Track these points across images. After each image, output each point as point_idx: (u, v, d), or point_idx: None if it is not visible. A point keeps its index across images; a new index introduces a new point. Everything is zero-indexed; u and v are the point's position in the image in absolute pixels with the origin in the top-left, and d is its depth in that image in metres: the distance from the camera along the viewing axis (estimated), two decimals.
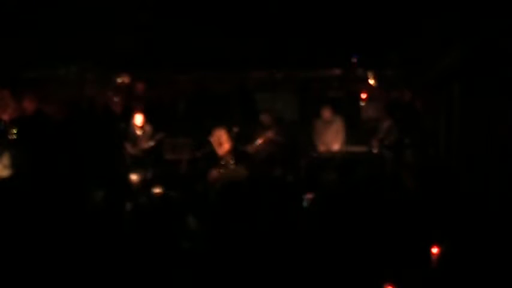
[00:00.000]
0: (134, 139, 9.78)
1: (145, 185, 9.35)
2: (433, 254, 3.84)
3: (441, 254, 3.84)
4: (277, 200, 5.18)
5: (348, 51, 8.09)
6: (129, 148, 9.76)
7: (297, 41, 7.51)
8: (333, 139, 9.38)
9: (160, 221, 4.47)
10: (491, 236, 4.55)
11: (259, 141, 9.50)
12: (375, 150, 9.09)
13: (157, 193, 7.65)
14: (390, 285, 3.42)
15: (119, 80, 9.41)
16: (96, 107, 9.72)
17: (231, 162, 9.23)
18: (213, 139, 9.56)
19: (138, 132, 9.79)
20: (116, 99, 9.72)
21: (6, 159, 8.72)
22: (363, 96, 9.59)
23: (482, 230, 4.71)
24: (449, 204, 5.83)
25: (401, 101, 9.19)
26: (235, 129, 9.90)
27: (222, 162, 9.36)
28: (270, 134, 9.43)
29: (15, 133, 9.73)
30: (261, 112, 9.99)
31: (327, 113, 9.43)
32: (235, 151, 9.69)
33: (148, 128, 9.83)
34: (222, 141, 9.55)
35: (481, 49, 5.15)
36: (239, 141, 9.92)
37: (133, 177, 9.05)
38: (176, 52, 8.06)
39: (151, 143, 9.77)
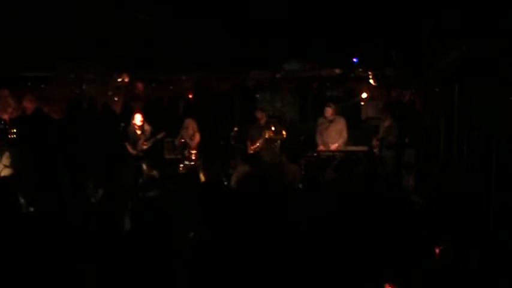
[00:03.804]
0: (134, 139, 9.80)
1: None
2: (434, 254, 3.84)
3: (442, 254, 3.84)
4: (277, 199, 5.18)
5: (348, 51, 8.09)
6: (129, 148, 9.78)
7: (297, 41, 7.51)
8: (335, 138, 9.43)
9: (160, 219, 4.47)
10: (492, 237, 4.55)
11: (259, 141, 9.51)
12: (375, 150, 9.10)
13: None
14: (390, 286, 3.43)
15: (119, 80, 9.41)
16: (96, 107, 9.73)
17: (193, 156, 9.31)
18: (186, 130, 9.60)
19: (138, 131, 9.80)
20: (116, 99, 9.72)
21: (6, 159, 8.73)
22: (363, 96, 9.60)
23: (482, 230, 4.72)
24: (450, 204, 5.83)
25: (401, 101, 9.20)
26: (235, 129, 9.93)
27: (187, 154, 9.42)
28: (268, 134, 9.44)
29: (15, 132, 9.74)
30: (256, 111, 9.99)
31: (329, 110, 9.49)
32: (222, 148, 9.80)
33: (147, 127, 9.85)
34: (193, 132, 9.62)
35: (481, 49, 5.15)
36: (239, 140, 9.95)
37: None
38: (176, 52, 8.06)
39: (151, 143, 9.79)
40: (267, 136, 9.48)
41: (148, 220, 3.93)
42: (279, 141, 9.56)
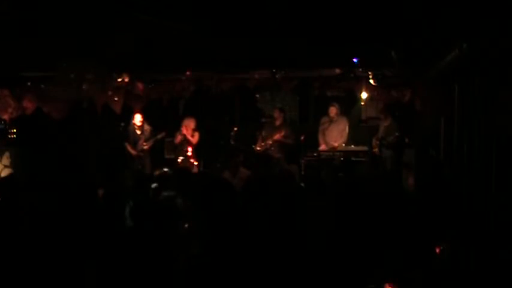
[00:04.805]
0: (134, 139, 9.81)
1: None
2: (434, 254, 3.85)
3: (442, 254, 3.84)
4: (279, 200, 5.19)
5: (348, 51, 8.08)
6: (129, 148, 9.78)
7: (297, 41, 7.50)
8: (337, 137, 9.45)
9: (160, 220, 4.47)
10: (492, 237, 4.55)
11: (268, 142, 9.51)
12: (375, 150, 9.11)
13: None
14: (390, 286, 3.43)
15: (119, 80, 9.41)
16: (96, 107, 9.73)
17: (188, 153, 9.37)
18: (186, 128, 9.64)
19: (138, 131, 9.81)
20: (116, 99, 9.73)
21: (6, 159, 8.75)
22: (363, 96, 9.61)
23: (482, 230, 4.72)
24: (449, 204, 5.83)
25: (401, 101, 9.20)
26: (235, 129, 9.94)
27: (184, 152, 9.46)
28: (278, 137, 9.45)
29: (15, 132, 9.75)
30: (274, 111, 10.02)
31: (333, 109, 9.52)
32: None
33: (147, 127, 9.86)
34: (193, 131, 9.67)
35: (481, 49, 5.15)
36: (239, 140, 9.95)
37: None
38: (176, 52, 8.05)
39: (151, 143, 9.80)
40: (276, 138, 9.49)
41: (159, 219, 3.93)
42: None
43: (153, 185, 5.83)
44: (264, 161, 8.41)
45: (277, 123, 9.72)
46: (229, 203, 4.12)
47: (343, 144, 9.42)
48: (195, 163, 9.63)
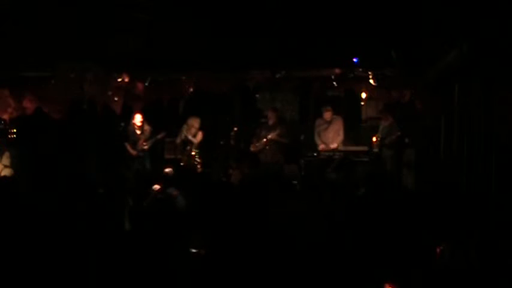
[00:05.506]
0: (134, 139, 9.80)
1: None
2: (434, 254, 3.84)
3: (442, 254, 3.84)
4: (278, 199, 5.19)
5: (348, 51, 8.09)
6: (129, 148, 9.78)
7: (297, 41, 7.51)
8: (334, 137, 9.45)
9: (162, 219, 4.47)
10: (492, 236, 4.55)
11: (263, 141, 9.49)
12: (375, 150, 9.11)
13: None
14: (390, 285, 3.43)
15: (119, 80, 9.41)
16: (96, 107, 9.73)
17: (193, 153, 9.35)
18: (190, 128, 9.62)
19: (138, 131, 9.80)
20: (116, 99, 9.72)
21: (6, 159, 8.74)
22: (363, 96, 9.60)
23: (482, 230, 4.71)
24: (449, 204, 5.83)
25: (401, 101, 9.20)
26: (235, 129, 9.93)
27: (188, 152, 9.45)
28: (272, 136, 9.42)
29: (15, 132, 9.76)
30: (268, 110, 10.00)
31: (328, 114, 9.50)
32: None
33: (147, 127, 9.85)
34: (196, 131, 9.64)
35: (481, 49, 5.16)
36: (239, 140, 9.95)
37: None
38: (176, 52, 8.06)
39: (151, 143, 9.79)
40: (270, 137, 9.47)
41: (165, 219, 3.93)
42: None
43: (156, 185, 5.84)
44: (255, 162, 8.36)
45: (271, 122, 9.68)
46: (230, 203, 4.12)
47: (342, 144, 9.41)
48: (199, 160, 9.58)
